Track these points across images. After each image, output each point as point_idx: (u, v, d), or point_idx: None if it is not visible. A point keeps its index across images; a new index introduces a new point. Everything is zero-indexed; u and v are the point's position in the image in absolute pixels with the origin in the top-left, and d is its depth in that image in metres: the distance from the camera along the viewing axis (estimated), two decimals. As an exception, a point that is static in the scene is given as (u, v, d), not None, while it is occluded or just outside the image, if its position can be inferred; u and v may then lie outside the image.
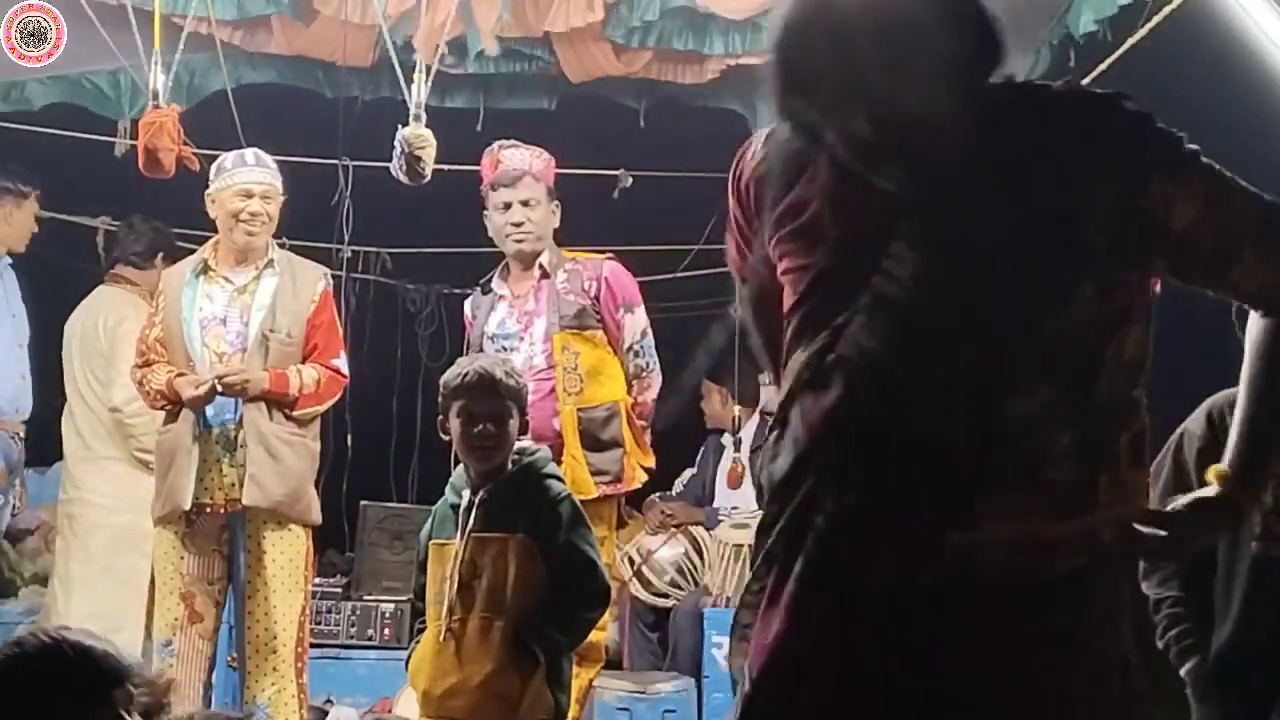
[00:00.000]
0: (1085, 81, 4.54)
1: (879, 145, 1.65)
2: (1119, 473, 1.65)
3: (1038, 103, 1.70)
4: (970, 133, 1.63)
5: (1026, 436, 1.61)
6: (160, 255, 5.19)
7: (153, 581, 4.28)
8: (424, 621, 3.24)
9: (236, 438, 4.00)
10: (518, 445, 3.26)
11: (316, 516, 4.19)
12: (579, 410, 4.10)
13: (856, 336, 1.66)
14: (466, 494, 3.19)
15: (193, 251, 4.45)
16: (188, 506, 3.95)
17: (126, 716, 2.11)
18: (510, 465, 3.23)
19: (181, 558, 4.03)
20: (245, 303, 4.10)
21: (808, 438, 1.69)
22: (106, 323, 5.05)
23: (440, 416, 3.30)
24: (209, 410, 4.01)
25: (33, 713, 2.03)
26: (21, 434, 4.98)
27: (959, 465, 1.62)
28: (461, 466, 3.29)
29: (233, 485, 3.99)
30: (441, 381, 3.32)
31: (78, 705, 2.08)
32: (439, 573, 3.19)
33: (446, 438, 3.30)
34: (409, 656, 3.26)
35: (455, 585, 3.11)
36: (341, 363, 4.21)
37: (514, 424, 3.21)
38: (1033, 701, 1.61)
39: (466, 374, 3.23)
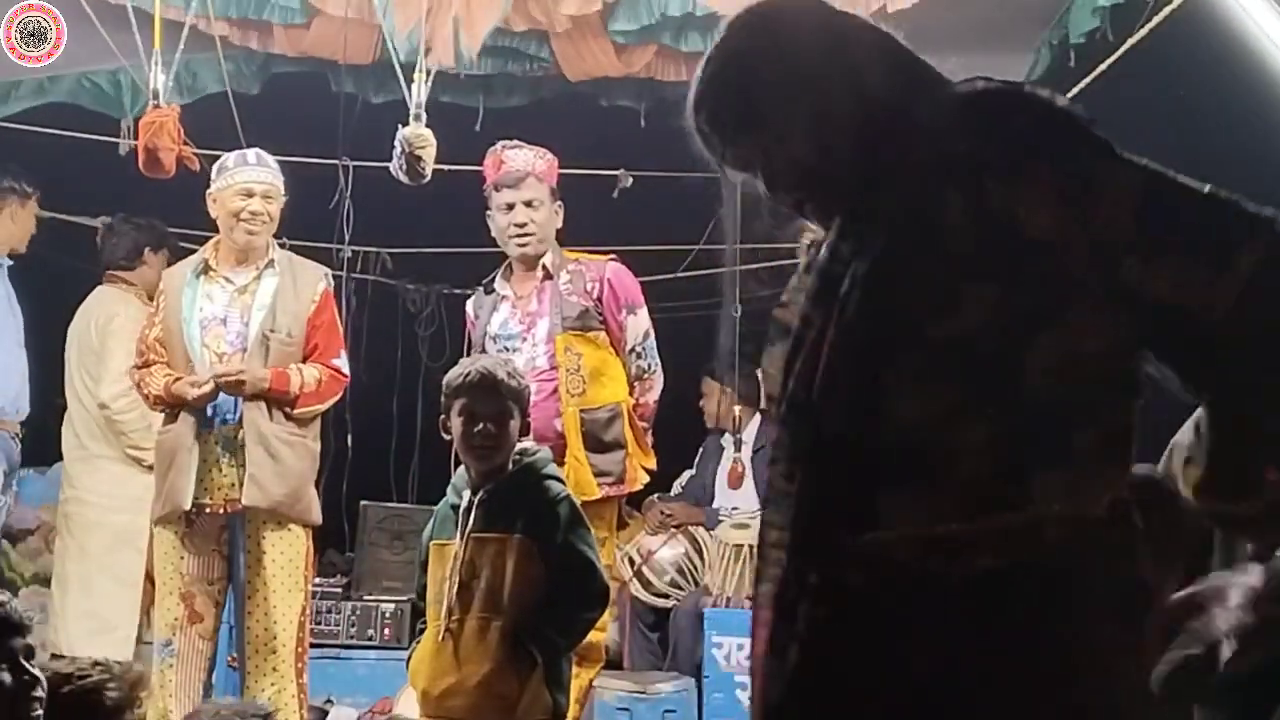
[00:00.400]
0: (1085, 82, 4.57)
1: (791, 181, 1.75)
2: (1075, 472, 1.60)
3: (936, 108, 1.70)
4: (862, 152, 1.69)
5: (921, 437, 1.61)
6: (148, 250, 5.20)
7: (149, 581, 4.27)
8: (425, 622, 3.24)
9: (236, 438, 4.00)
10: (519, 446, 3.26)
11: (317, 517, 4.19)
12: (582, 411, 4.10)
13: (767, 368, 1.78)
14: (467, 494, 3.20)
15: (193, 251, 4.45)
16: (188, 506, 3.95)
17: (28, 666, 2.14)
18: (511, 466, 3.23)
19: (181, 558, 4.03)
20: (246, 303, 4.10)
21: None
22: (99, 320, 5.07)
23: (442, 416, 3.30)
24: (209, 410, 4.01)
25: None
26: (19, 434, 4.99)
27: (861, 470, 1.64)
28: (463, 467, 3.30)
29: (232, 485, 3.99)
30: (444, 381, 3.33)
31: None
32: (439, 573, 3.19)
33: (448, 437, 3.30)
34: (409, 656, 3.27)
35: (454, 585, 3.12)
36: (342, 362, 4.21)
37: (515, 424, 3.21)
38: (961, 702, 1.60)
39: (468, 374, 3.23)
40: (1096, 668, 1.62)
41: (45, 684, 2.21)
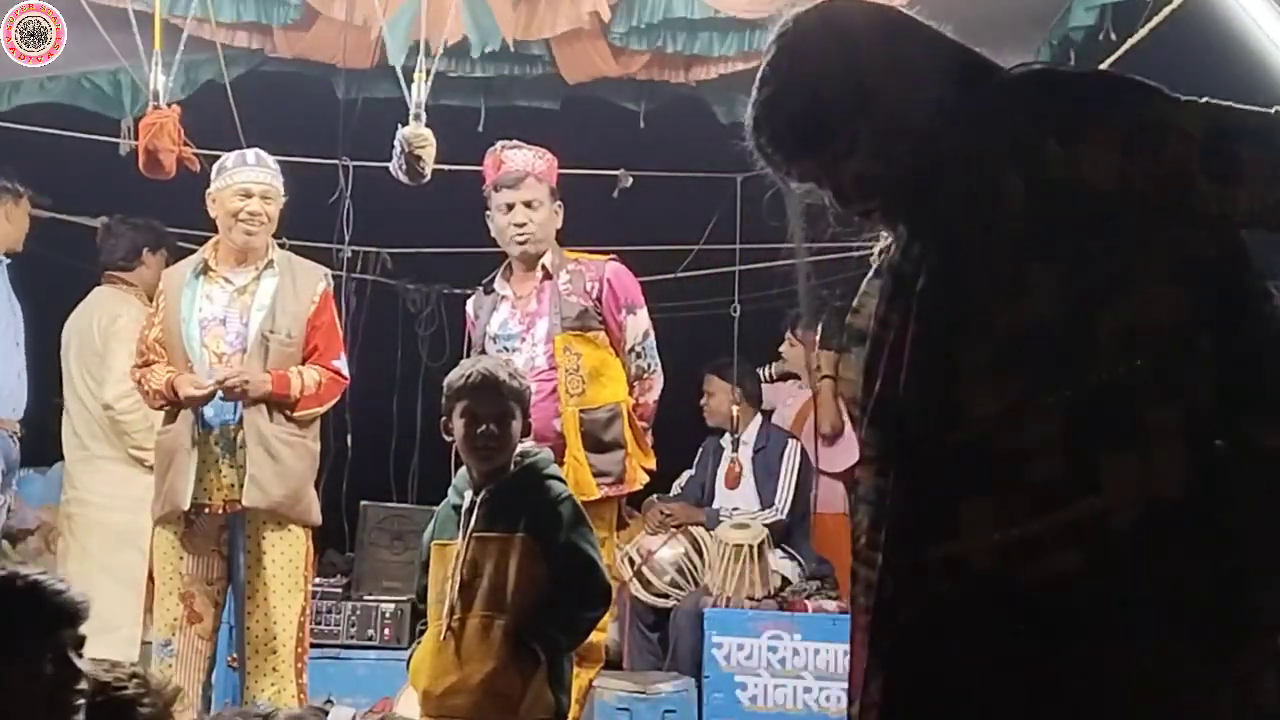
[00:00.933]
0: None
1: (856, 190, 1.73)
2: (1147, 451, 1.52)
3: (990, 91, 1.69)
4: (924, 151, 1.68)
5: (995, 434, 1.57)
6: (146, 250, 5.20)
7: (151, 580, 4.26)
8: (426, 622, 3.24)
9: (236, 438, 4.00)
10: (520, 447, 3.26)
11: (317, 517, 4.19)
12: (581, 411, 4.09)
13: (844, 373, 1.83)
14: (469, 494, 3.20)
15: (193, 251, 4.45)
16: (186, 507, 3.95)
17: (73, 658, 2.12)
18: (513, 466, 3.23)
19: (181, 558, 4.03)
20: (245, 303, 4.10)
21: None
22: (101, 322, 5.07)
23: (444, 417, 3.30)
24: (208, 411, 4.01)
25: None
26: (17, 433, 5.00)
27: (943, 472, 1.61)
28: (465, 468, 3.30)
29: (232, 486, 3.99)
30: (445, 382, 3.33)
31: (20, 638, 2.07)
32: (440, 573, 3.19)
33: (450, 439, 3.30)
34: (410, 656, 3.27)
35: (457, 584, 3.12)
36: (342, 364, 4.21)
37: (517, 425, 3.22)
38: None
39: (470, 375, 3.24)
40: (1176, 695, 1.52)
41: (89, 679, 2.18)
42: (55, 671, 2.09)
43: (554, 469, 3.34)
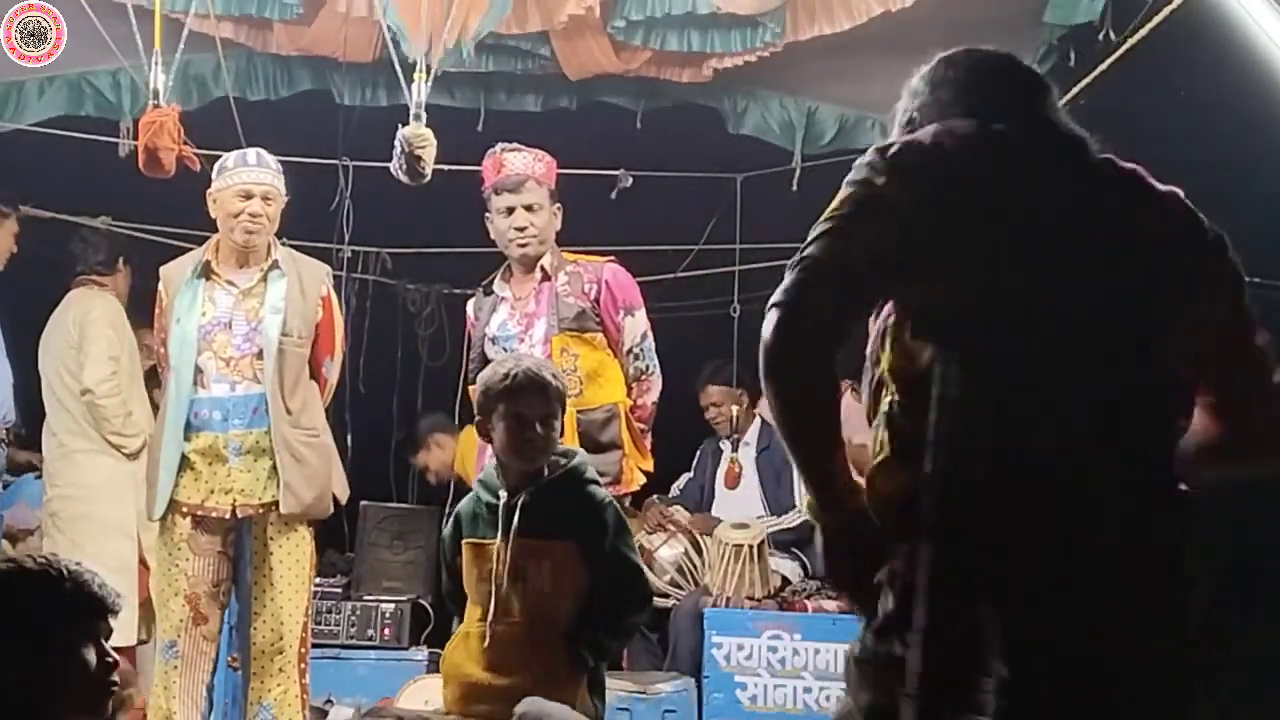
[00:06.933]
0: (1085, 81, 4.57)
1: None
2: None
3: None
4: None
5: None
6: (121, 259, 5.22)
7: (143, 566, 4.25)
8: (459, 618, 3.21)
9: (252, 445, 3.98)
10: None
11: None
12: (578, 412, 4.09)
13: None
14: (504, 494, 3.14)
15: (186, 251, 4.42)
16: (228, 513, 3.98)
17: (107, 648, 2.15)
18: (549, 469, 3.18)
19: (186, 559, 4.01)
20: (252, 305, 4.05)
21: None
22: (76, 316, 5.08)
23: (479, 418, 3.23)
24: (217, 414, 3.99)
25: (17, 630, 2.08)
26: (6, 440, 5.03)
27: None
28: (493, 466, 3.25)
29: (242, 490, 3.97)
30: (481, 382, 3.26)
31: (64, 629, 2.11)
32: (475, 572, 3.15)
33: (486, 441, 3.26)
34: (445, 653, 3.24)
35: (499, 588, 3.07)
36: (328, 367, 4.20)
37: (560, 425, 3.18)
38: None
39: (515, 375, 3.16)
40: None
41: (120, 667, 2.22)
42: (94, 661, 2.13)
43: (593, 473, 3.28)
